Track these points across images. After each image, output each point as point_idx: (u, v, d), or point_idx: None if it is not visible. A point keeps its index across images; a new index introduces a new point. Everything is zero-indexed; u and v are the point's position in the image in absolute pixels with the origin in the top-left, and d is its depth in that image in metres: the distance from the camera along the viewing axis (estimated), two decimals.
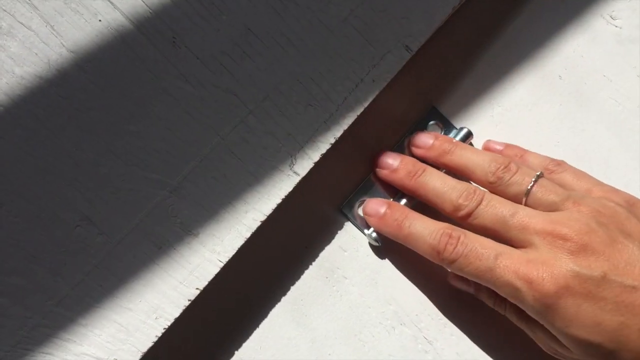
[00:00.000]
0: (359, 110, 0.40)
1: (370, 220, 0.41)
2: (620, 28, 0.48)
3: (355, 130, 0.41)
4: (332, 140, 0.39)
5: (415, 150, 0.43)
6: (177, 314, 0.36)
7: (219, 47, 0.38)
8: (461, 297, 0.43)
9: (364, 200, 0.43)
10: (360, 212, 0.43)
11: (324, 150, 0.39)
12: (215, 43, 0.38)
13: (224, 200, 0.38)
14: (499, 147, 0.44)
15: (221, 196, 0.38)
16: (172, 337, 0.37)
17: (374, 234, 0.42)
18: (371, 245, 0.43)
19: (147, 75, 0.37)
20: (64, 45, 0.36)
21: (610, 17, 0.48)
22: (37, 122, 0.36)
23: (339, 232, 0.43)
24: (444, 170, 0.42)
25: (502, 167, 0.39)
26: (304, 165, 0.39)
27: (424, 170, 0.41)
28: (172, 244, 0.37)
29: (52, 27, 0.36)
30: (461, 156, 0.41)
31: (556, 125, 0.46)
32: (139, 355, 0.35)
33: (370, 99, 0.40)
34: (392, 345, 0.42)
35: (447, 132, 0.45)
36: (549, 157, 0.42)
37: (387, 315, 0.42)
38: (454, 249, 0.37)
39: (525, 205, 0.38)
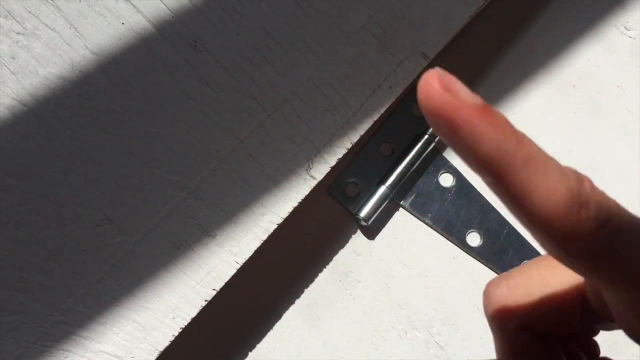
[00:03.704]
0: (376, 116, 0.41)
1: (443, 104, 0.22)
2: (635, 39, 0.48)
3: None
4: (349, 145, 0.40)
5: None
6: (193, 314, 0.37)
7: (239, 52, 0.39)
8: (472, 302, 0.43)
9: (351, 182, 0.43)
10: (348, 193, 0.43)
11: (340, 155, 0.40)
12: (235, 47, 0.38)
13: (242, 202, 0.38)
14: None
15: (239, 198, 0.38)
16: (188, 336, 0.37)
17: (363, 214, 0.42)
18: (359, 225, 0.44)
19: (168, 77, 0.38)
20: (87, 47, 0.37)
21: (625, 27, 0.48)
22: (60, 123, 0.36)
23: (352, 236, 0.44)
24: None
25: None
26: (321, 169, 0.39)
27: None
28: (190, 244, 0.37)
29: (76, 29, 0.37)
30: None
31: (570, 134, 0.46)
32: (156, 354, 0.36)
33: (387, 105, 0.41)
34: (404, 350, 0.42)
35: None
36: None
37: (399, 319, 0.43)
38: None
39: None
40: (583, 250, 0.20)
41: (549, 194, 0.20)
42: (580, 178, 0.21)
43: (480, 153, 0.19)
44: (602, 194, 0.21)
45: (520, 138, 0.20)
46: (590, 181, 0.21)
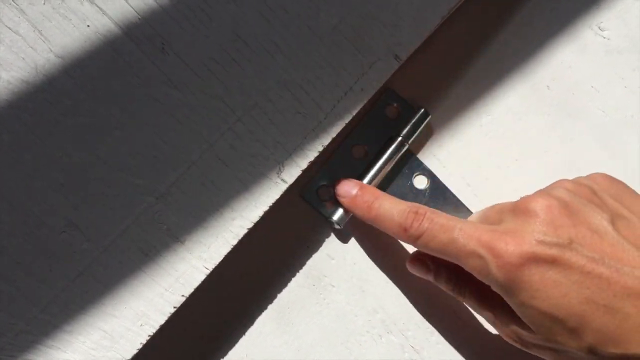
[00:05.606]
0: (348, 118, 0.40)
1: (343, 201, 0.41)
2: (608, 39, 0.48)
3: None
4: (320, 148, 0.39)
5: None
6: (162, 321, 0.36)
7: (208, 54, 0.38)
8: (447, 306, 0.43)
9: (324, 185, 0.43)
10: (321, 196, 0.43)
11: (312, 158, 0.39)
12: (204, 49, 0.38)
13: (211, 207, 0.37)
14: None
15: (208, 203, 0.37)
16: (157, 344, 0.37)
17: (336, 217, 0.42)
18: (333, 229, 0.44)
19: (135, 81, 0.37)
20: (51, 50, 0.36)
21: (599, 28, 0.48)
22: (24, 127, 0.35)
23: (326, 240, 0.43)
24: None
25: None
26: (292, 172, 0.39)
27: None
28: (158, 250, 0.37)
29: (40, 32, 0.36)
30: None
31: (544, 134, 0.46)
32: None
33: (358, 107, 0.40)
34: (379, 354, 0.42)
35: (404, 114, 0.44)
36: None
37: (373, 323, 0.42)
38: (419, 224, 0.37)
39: None
40: (420, 245, 0.37)
41: (393, 223, 0.39)
42: (414, 209, 0.38)
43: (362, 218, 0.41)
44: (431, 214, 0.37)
45: (373, 201, 0.40)
46: (424, 208, 0.38)
